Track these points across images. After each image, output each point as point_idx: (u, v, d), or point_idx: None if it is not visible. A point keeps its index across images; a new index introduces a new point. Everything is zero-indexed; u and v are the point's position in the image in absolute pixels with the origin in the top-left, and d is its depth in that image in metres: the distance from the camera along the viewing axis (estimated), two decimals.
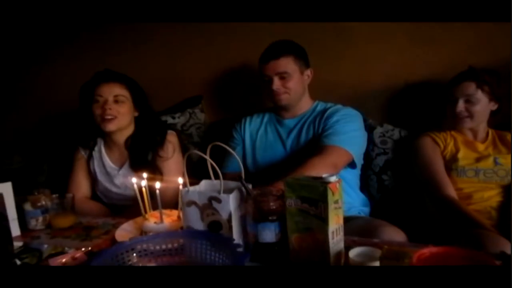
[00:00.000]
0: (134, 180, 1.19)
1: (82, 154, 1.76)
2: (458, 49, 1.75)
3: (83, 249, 1.06)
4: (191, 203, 1.01)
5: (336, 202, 0.88)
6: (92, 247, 1.10)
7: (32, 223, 1.32)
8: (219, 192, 0.98)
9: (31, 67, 2.54)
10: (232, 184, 1.05)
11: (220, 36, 2.11)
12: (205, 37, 2.14)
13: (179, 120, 2.11)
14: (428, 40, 1.79)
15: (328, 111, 1.62)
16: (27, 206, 1.32)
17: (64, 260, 0.98)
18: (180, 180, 1.15)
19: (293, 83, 1.62)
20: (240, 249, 0.85)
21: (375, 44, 1.86)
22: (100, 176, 1.73)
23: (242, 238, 1.01)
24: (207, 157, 1.04)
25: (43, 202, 1.34)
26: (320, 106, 1.71)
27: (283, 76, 1.61)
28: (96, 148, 1.75)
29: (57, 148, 2.23)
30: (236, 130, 1.82)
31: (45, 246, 1.13)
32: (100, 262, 0.85)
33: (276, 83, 1.61)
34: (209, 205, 0.99)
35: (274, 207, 0.96)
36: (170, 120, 2.09)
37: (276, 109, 1.76)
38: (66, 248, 1.10)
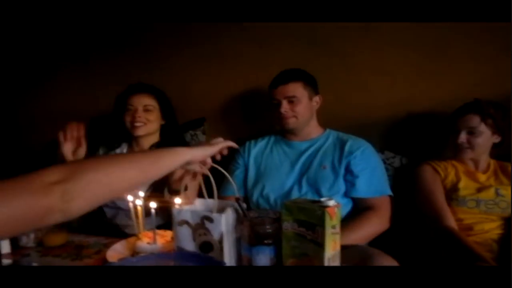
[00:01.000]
0: (130, 197, 1.17)
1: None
2: (463, 82, 1.75)
3: None
4: (183, 222, 0.99)
5: (333, 227, 0.86)
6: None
7: (24, 240, 1.30)
8: (212, 211, 0.96)
9: (53, 82, 2.57)
10: (227, 204, 1.03)
11: (224, 61, 2.13)
12: (209, 62, 2.17)
13: None
14: (434, 73, 1.80)
15: (349, 145, 1.62)
16: None
17: None
18: (178, 200, 1.14)
19: (301, 108, 1.64)
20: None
21: (380, 74, 1.88)
22: None
23: (235, 261, 0.99)
24: (208, 173, 1.03)
25: None
26: (333, 134, 1.72)
27: (291, 100, 1.64)
28: (117, 151, 1.82)
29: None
30: (239, 153, 1.81)
31: (34, 264, 1.10)
32: None
33: (285, 107, 1.64)
34: (202, 225, 0.97)
35: (270, 230, 0.94)
36: None
37: (283, 132, 1.77)
38: None
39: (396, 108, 1.87)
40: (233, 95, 2.15)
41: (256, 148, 1.79)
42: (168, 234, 1.13)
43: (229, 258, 0.96)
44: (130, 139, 1.82)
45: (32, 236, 1.30)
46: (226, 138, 2.07)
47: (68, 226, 1.39)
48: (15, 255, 1.21)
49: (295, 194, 1.58)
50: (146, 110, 1.73)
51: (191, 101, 2.23)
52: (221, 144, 1.04)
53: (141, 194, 1.18)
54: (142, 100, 1.74)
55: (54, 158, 1.50)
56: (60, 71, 2.51)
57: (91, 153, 1.84)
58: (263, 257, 0.93)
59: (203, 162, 1.01)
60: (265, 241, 0.93)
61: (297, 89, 1.64)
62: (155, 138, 1.80)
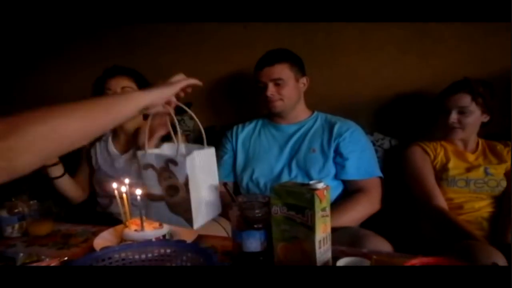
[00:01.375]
0: (114, 185, 1.14)
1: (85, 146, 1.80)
2: (450, 61, 1.74)
3: (65, 258, 1.01)
4: (148, 166, 0.95)
5: (323, 209, 0.85)
6: (69, 256, 1.05)
7: (8, 230, 1.27)
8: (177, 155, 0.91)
9: (45, 69, 2.51)
10: (193, 147, 0.98)
11: (211, 42, 2.09)
12: (195, 43, 2.12)
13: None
14: (419, 52, 1.78)
15: (337, 127, 1.60)
16: (3, 213, 1.27)
17: None
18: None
19: (288, 90, 1.61)
20: (216, 260, 0.81)
21: (366, 54, 1.85)
22: (101, 161, 1.76)
23: (209, 203, 0.97)
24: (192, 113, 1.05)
25: (20, 209, 1.28)
26: (321, 116, 1.70)
27: (277, 83, 1.60)
28: (102, 138, 1.80)
29: None
30: (227, 138, 1.78)
31: (21, 254, 1.07)
32: None
33: (271, 89, 1.60)
34: (166, 168, 0.92)
35: (259, 214, 0.93)
36: None
37: (270, 116, 1.74)
38: (43, 257, 1.05)
39: (384, 89, 1.85)
40: (218, 78, 2.12)
41: (244, 132, 1.76)
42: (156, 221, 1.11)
43: (196, 203, 0.92)
44: None
45: (16, 226, 1.27)
46: (213, 122, 2.09)
47: (55, 215, 1.36)
48: (0, 246, 1.19)
49: (285, 178, 1.57)
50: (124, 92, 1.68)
51: None
52: (183, 82, 0.99)
53: (127, 181, 1.15)
54: (120, 82, 1.68)
55: None
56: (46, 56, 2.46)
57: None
58: (254, 242, 0.92)
59: (168, 103, 0.96)
60: (255, 226, 0.92)
61: (283, 71, 1.60)
62: (138, 121, 1.74)
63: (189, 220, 0.92)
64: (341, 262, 0.85)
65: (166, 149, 1.02)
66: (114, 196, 1.61)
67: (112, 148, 1.76)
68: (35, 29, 2.43)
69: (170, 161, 0.91)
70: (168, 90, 0.94)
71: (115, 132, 1.79)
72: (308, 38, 1.90)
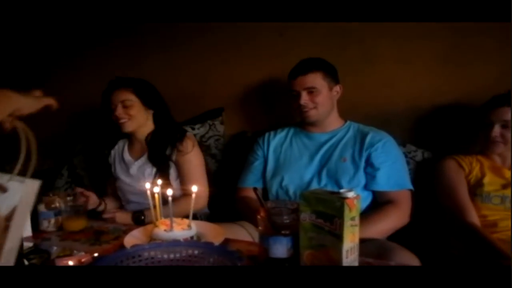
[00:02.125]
0: (147, 185, 1.17)
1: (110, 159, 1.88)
2: (488, 73, 1.69)
3: (96, 254, 1.05)
4: None
5: (352, 219, 0.84)
6: (100, 252, 1.08)
7: (44, 224, 1.32)
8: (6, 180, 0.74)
9: (57, 71, 2.60)
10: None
11: (246, 48, 2.11)
12: (228, 50, 2.15)
13: (199, 131, 2.10)
14: (458, 64, 1.74)
15: (370, 137, 1.59)
16: (41, 207, 1.33)
17: (70, 262, 0.96)
18: (194, 189, 1.14)
19: (322, 98, 1.61)
20: (242, 263, 0.82)
21: (402, 63, 1.83)
22: (117, 168, 1.83)
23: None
24: None
25: (57, 204, 1.34)
26: (354, 126, 1.69)
27: (311, 91, 1.60)
28: (116, 147, 1.87)
29: (80, 152, 2.26)
30: (258, 144, 1.79)
31: (54, 248, 1.12)
32: None
33: (304, 98, 1.60)
34: None
35: (287, 221, 0.93)
36: (189, 131, 2.09)
37: (303, 124, 1.74)
38: (75, 252, 1.09)
39: (419, 100, 1.82)
40: (251, 85, 2.13)
41: (276, 139, 1.77)
42: (185, 222, 1.13)
43: (11, 244, 0.74)
44: (126, 134, 1.81)
45: (52, 220, 1.32)
46: (244, 128, 2.11)
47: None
48: (36, 239, 1.24)
49: (314, 186, 1.56)
50: (125, 106, 1.71)
51: (209, 91, 2.23)
52: (42, 102, 0.91)
53: (159, 182, 1.18)
54: (120, 96, 1.71)
55: None
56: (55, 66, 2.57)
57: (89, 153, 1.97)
58: (280, 247, 0.92)
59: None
60: (282, 232, 0.92)
61: (317, 80, 1.60)
62: (149, 128, 1.79)
63: None
64: None
65: None
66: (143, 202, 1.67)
67: (127, 155, 1.82)
68: (41, 34, 2.53)
69: None
70: (36, 104, 0.89)
71: (130, 140, 1.84)
72: (343, 46, 1.90)
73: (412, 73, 1.82)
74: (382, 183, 1.52)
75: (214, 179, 2.07)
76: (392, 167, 1.55)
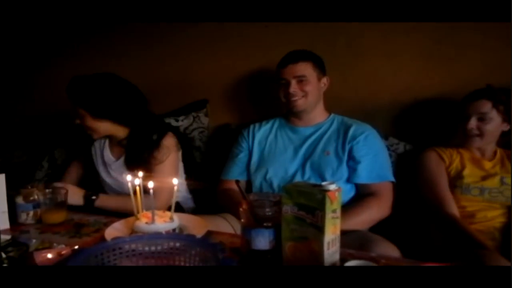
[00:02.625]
0: (128, 177, 1.15)
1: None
2: (471, 68, 1.71)
3: (76, 246, 1.03)
4: None
5: (334, 211, 0.84)
6: (80, 244, 1.07)
7: (23, 217, 1.29)
8: None
9: (41, 65, 2.57)
10: None
11: (231, 40, 2.09)
12: (214, 42, 2.13)
13: (183, 123, 2.09)
14: (442, 58, 1.76)
15: (352, 130, 1.60)
16: (19, 200, 1.30)
17: (49, 255, 0.95)
18: (175, 181, 1.13)
19: (311, 87, 1.61)
20: (222, 255, 0.81)
21: (386, 57, 1.84)
22: (98, 166, 1.78)
23: None
24: None
25: (36, 197, 1.31)
26: (338, 119, 1.70)
27: (300, 80, 1.61)
28: (96, 143, 1.80)
29: (60, 145, 2.22)
30: (243, 136, 1.78)
31: (33, 241, 1.10)
32: (80, 260, 0.83)
33: (294, 86, 1.60)
34: None
35: (270, 213, 0.93)
36: (173, 123, 2.07)
37: (288, 116, 1.74)
38: (55, 244, 1.07)
39: (403, 94, 1.83)
40: (237, 77, 2.12)
41: (260, 132, 1.76)
42: (166, 214, 1.12)
43: None
44: None
45: (31, 213, 1.30)
46: (229, 120, 2.09)
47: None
48: (14, 231, 1.22)
49: (298, 179, 1.57)
50: (80, 117, 1.61)
51: (193, 82, 2.21)
52: None
53: (140, 174, 1.17)
54: (74, 109, 1.61)
55: None
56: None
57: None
58: (262, 240, 0.92)
59: None
60: (265, 224, 0.92)
61: (307, 69, 1.61)
62: (122, 132, 1.68)
63: None
64: (348, 264, 0.85)
65: None
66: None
67: (108, 153, 1.75)
68: (44, 27, 2.48)
69: None
70: None
71: (110, 139, 1.77)
72: (329, 39, 1.89)
73: (396, 67, 1.83)
74: (363, 176, 1.54)
75: (198, 171, 2.07)
76: (374, 160, 1.56)
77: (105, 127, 1.64)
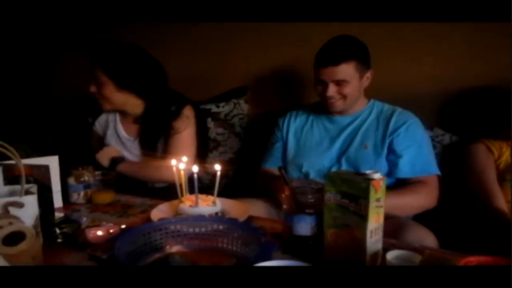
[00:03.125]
0: (173, 162, 1.19)
1: (96, 129, 1.81)
2: None
3: (123, 226, 1.08)
4: None
5: (378, 200, 0.84)
6: (128, 224, 1.12)
7: (74, 196, 1.37)
8: (19, 195, 0.83)
9: (56, 58, 2.68)
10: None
11: (272, 28, 2.07)
12: (256, 28, 2.11)
13: (223, 109, 2.11)
14: (489, 46, 1.67)
15: (393, 121, 1.51)
16: (71, 180, 1.37)
17: (100, 232, 1.00)
18: (184, 159, 1.17)
19: (350, 90, 1.50)
20: (266, 239, 0.84)
21: (430, 46, 1.77)
22: (113, 143, 1.75)
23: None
24: None
25: (86, 178, 1.38)
26: (378, 106, 1.61)
27: (339, 83, 1.49)
28: (108, 119, 1.79)
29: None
30: (278, 127, 1.75)
31: (84, 219, 1.16)
32: (129, 238, 0.87)
33: (331, 90, 1.50)
34: (5, 214, 0.81)
35: (312, 200, 0.94)
36: (214, 109, 2.11)
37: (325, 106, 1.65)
38: (104, 223, 1.13)
39: (447, 82, 1.76)
40: (276, 64, 2.11)
41: (296, 122, 1.71)
42: (209, 198, 1.15)
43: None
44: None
45: (82, 193, 1.37)
46: (268, 107, 2.09)
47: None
48: (66, 210, 1.29)
49: None
50: (99, 85, 1.60)
51: (234, 69, 2.22)
52: None
53: (184, 158, 1.20)
54: (94, 75, 1.60)
55: None
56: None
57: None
58: (304, 226, 0.93)
59: None
60: (307, 211, 0.93)
61: (348, 71, 1.47)
62: (138, 107, 1.68)
63: None
64: (390, 255, 0.84)
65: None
66: None
67: (123, 133, 1.74)
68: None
69: (11, 204, 0.81)
70: None
71: (123, 115, 1.76)
72: (369, 27, 1.82)
73: (440, 55, 1.76)
74: (406, 170, 1.46)
75: (238, 157, 2.10)
76: (417, 153, 1.48)
77: (123, 99, 1.63)
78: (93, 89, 1.61)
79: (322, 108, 1.66)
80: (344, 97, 1.52)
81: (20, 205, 0.82)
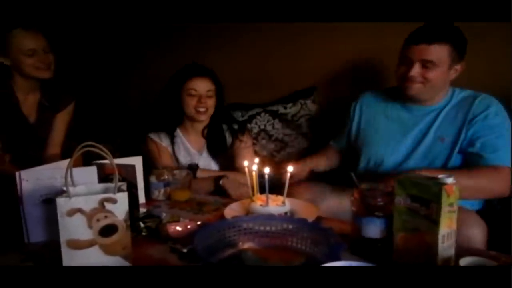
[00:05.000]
0: (245, 163, 1.25)
1: (162, 143, 1.82)
2: None
3: (199, 222, 1.16)
4: (74, 211, 0.89)
5: (450, 205, 0.83)
6: (203, 220, 1.20)
7: (155, 193, 1.49)
8: (112, 192, 0.92)
9: (133, 63, 2.85)
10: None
11: (340, 28, 2.05)
12: (324, 28, 2.09)
13: (290, 110, 2.15)
14: None
15: (473, 109, 1.40)
16: (153, 179, 1.49)
17: (179, 227, 1.09)
18: (290, 168, 1.21)
19: (435, 75, 1.39)
20: (335, 240, 0.86)
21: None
22: (181, 158, 1.84)
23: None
24: None
25: (166, 177, 1.49)
26: (457, 94, 1.48)
27: (426, 65, 1.38)
28: (175, 135, 1.85)
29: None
30: (353, 109, 1.71)
31: (164, 214, 1.26)
32: (205, 234, 0.95)
33: (416, 70, 1.39)
34: (101, 209, 0.91)
35: (381, 203, 0.94)
36: (281, 110, 2.15)
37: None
38: (181, 218, 1.22)
39: None
40: (344, 64, 2.10)
41: (370, 108, 1.65)
42: (279, 198, 1.20)
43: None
44: (180, 121, 1.83)
45: (162, 190, 1.48)
46: (335, 107, 2.07)
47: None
48: (148, 205, 1.41)
49: (407, 166, 1.47)
50: (209, 96, 1.75)
51: (302, 70, 2.23)
52: None
53: (257, 160, 1.26)
54: (205, 84, 1.74)
55: None
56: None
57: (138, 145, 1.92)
58: (373, 228, 0.94)
59: None
60: (376, 213, 0.94)
61: (440, 53, 1.36)
62: (207, 120, 1.83)
63: (127, 257, 0.94)
64: (464, 261, 0.83)
65: (85, 188, 0.99)
66: None
67: (189, 147, 1.85)
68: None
69: (107, 200, 0.91)
70: None
71: (187, 131, 1.86)
72: None
73: None
74: (477, 159, 1.36)
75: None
76: (494, 142, 1.36)
77: (213, 109, 1.80)
78: (204, 99, 1.75)
79: (398, 94, 1.56)
80: (425, 81, 1.40)
81: (114, 201, 0.91)
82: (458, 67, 1.44)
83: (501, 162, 1.35)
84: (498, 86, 1.57)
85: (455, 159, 1.42)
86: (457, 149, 1.42)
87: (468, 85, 1.60)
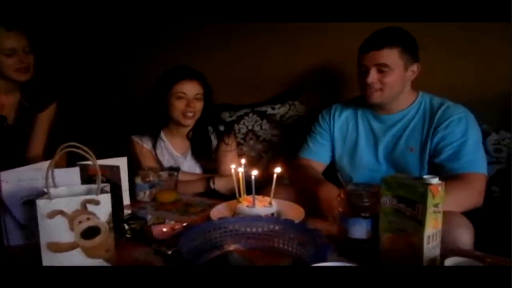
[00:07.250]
0: (233, 166, 1.24)
1: (144, 146, 1.80)
2: None
3: (185, 224, 1.15)
4: (55, 213, 0.87)
5: (436, 205, 0.83)
6: (188, 222, 1.18)
7: (140, 195, 1.47)
8: (95, 193, 0.90)
9: (120, 63, 2.81)
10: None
11: (329, 29, 2.04)
12: (312, 29, 2.09)
13: (279, 111, 2.15)
14: None
15: (438, 115, 1.42)
16: (138, 180, 1.47)
17: (164, 229, 1.07)
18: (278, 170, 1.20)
19: (392, 79, 1.42)
20: (322, 241, 0.86)
21: (501, 44, 1.66)
22: (168, 163, 1.81)
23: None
24: None
25: (151, 178, 1.47)
26: (426, 101, 1.50)
27: (381, 70, 1.42)
28: (159, 137, 1.82)
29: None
30: (324, 119, 1.68)
31: (149, 216, 1.25)
32: (191, 236, 0.94)
33: (372, 76, 1.42)
34: (83, 211, 0.89)
35: (367, 203, 0.94)
36: (269, 111, 2.14)
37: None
38: (167, 220, 1.20)
39: None
40: (333, 65, 2.10)
41: (341, 118, 1.64)
42: (266, 199, 1.19)
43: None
44: (165, 124, 1.80)
45: (147, 192, 1.46)
46: (325, 106, 2.06)
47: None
48: (133, 207, 1.39)
49: (378, 176, 1.47)
50: (197, 99, 1.72)
51: (290, 71, 2.23)
52: None
53: (243, 161, 1.25)
54: (194, 87, 1.72)
55: None
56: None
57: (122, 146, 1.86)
58: (360, 229, 0.94)
59: None
60: (362, 214, 0.94)
61: (391, 56, 1.40)
62: (192, 124, 1.80)
63: (110, 260, 0.93)
64: (449, 262, 0.83)
65: (66, 190, 0.97)
66: None
67: (172, 150, 1.83)
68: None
69: (89, 202, 0.89)
70: None
71: (171, 134, 1.84)
72: (428, 27, 1.76)
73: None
74: (447, 167, 1.36)
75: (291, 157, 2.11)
76: (459, 149, 1.36)
77: (201, 113, 1.77)
78: (193, 102, 1.73)
79: (366, 103, 1.56)
80: (382, 87, 1.43)
81: (96, 203, 0.90)
82: (414, 68, 1.47)
83: (467, 169, 1.34)
84: (498, 86, 1.59)
85: (428, 169, 1.43)
86: (426, 159, 1.43)
87: (468, 85, 1.66)
